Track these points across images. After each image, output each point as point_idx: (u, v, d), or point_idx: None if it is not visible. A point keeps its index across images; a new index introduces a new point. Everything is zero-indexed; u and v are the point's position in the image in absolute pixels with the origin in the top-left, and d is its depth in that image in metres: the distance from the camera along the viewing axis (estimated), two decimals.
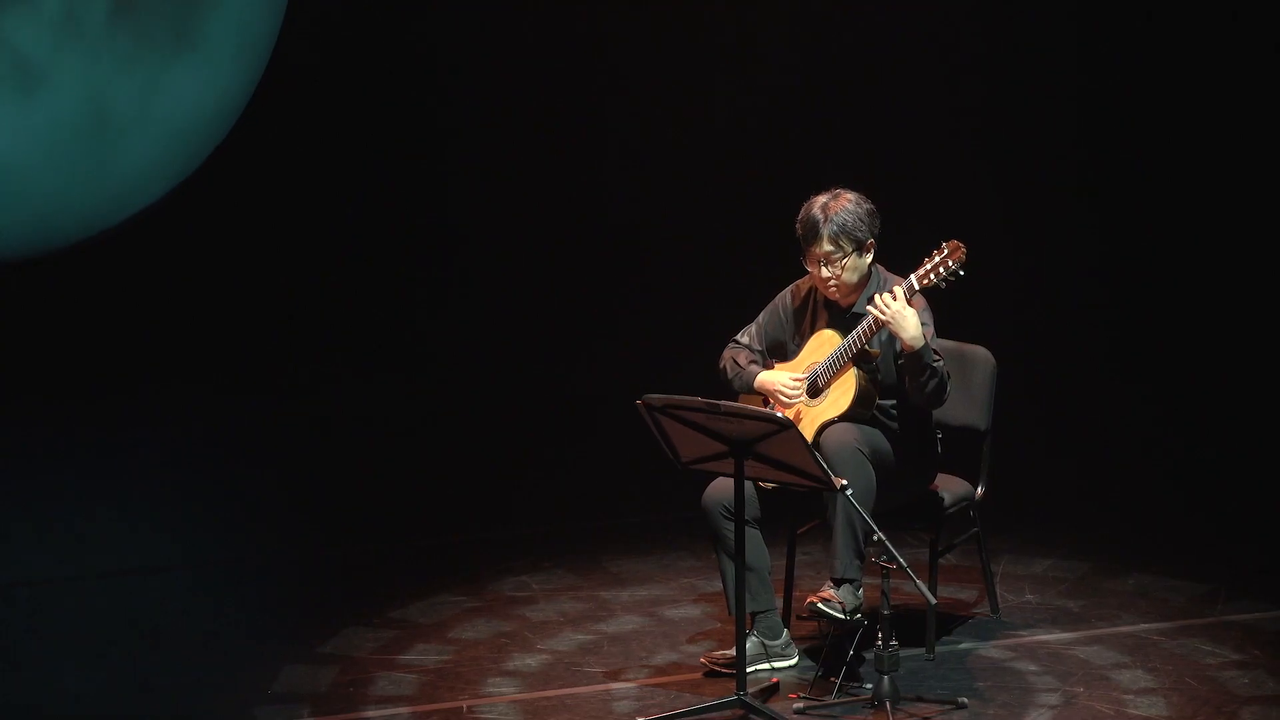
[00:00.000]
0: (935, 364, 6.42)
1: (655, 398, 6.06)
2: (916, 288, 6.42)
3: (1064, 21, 10.63)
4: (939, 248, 6.42)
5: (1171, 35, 10.40)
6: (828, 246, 6.48)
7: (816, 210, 6.51)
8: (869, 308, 6.43)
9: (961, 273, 6.39)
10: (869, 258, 6.56)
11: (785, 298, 6.76)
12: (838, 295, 6.57)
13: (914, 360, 6.40)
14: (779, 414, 5.96)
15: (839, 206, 6.50)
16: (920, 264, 6.43)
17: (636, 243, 10.97)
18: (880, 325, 6.40)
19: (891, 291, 6.38)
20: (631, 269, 10.95)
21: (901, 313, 6.35)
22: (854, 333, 6.47)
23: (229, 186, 10.97)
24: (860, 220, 6.50)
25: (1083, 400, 10.01)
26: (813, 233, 6.49)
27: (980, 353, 6.98)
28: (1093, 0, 10.57)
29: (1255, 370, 10.03)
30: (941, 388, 6.45)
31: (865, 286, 6.59)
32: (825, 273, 6.52)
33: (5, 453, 9.82)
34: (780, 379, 6.58)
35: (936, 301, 6.59)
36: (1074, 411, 9.88)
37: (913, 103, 10.70)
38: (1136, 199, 10.63)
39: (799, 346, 6.67)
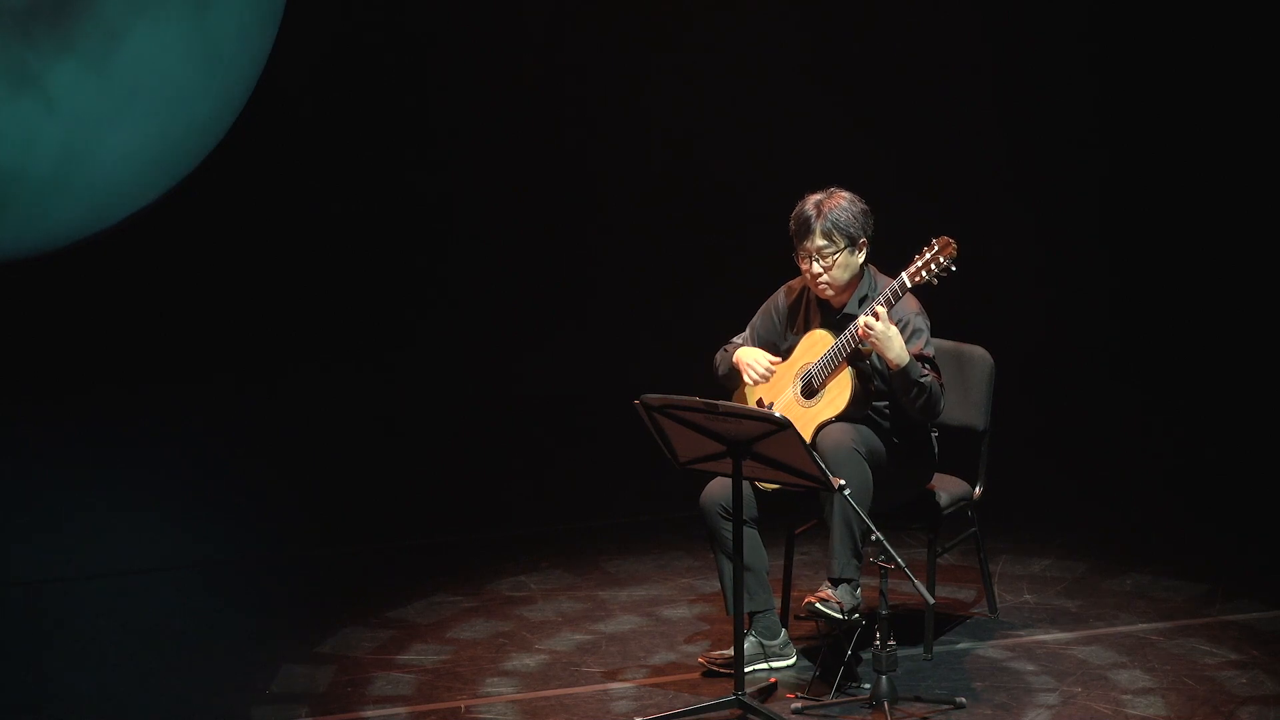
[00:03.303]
0: (923, 380, 6.42)
1: (653, 397, 6.07)
2: (909, 285, 6.43)
3: (1070, 21, 10.63)
4: (929, 244, 6.43)
5: (1176, 38, 10.40)
6: (820, 241, 6.49)
7: (810, 206, 6.53)
8: (865, 319, 6.41)
9: (953, 268, 6.40)
10: (861, 257, 6.56)
11: (778, 298, 6.77)
12: (830, 294, 6.57)
13: (901, 377, 6.42)
14: (777, 414, 5.97)
15: (833, 204, 6.52)
16: (911, 261, 6.44)
17: (634, 244, 10.97)
18: (866, 342, 6.40)
19: (874, 312, 6.38)
20: (629, 270, 10.96)
21: (885, 333, 6.36)
22: (847, 332, 6.47)
23: (228, 186, 10.98)
24: (854, 218, 6.51)
25: (1080, 400, 10.02)
26: (805, 227, 6.50)
27: (978, 352, 6.98)
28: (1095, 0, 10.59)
29: (1253, 370, 10.03)
30: (932, 402, 6.45)
31: (857, 287, 6.59)
32: (816, 268, 6.52)
33: (4, 452, 9.83)
34: (754, 354, 6.59)
35: (933, 300, 6.60)
36: (1072, 411, 9.88)
37: (913, 102, 10.71)
38: (1136, 199, 10.63)
39: (791, 346, 6.68)
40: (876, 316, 6.36)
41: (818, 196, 6.57)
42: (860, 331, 6.38)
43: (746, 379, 6.61)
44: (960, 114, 10.67)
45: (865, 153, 10.59)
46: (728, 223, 10.73)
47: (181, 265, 10.98)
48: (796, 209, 6.57)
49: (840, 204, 6.52)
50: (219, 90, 10.91)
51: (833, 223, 6.48)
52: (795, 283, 6.73)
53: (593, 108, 11.09)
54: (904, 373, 6.39)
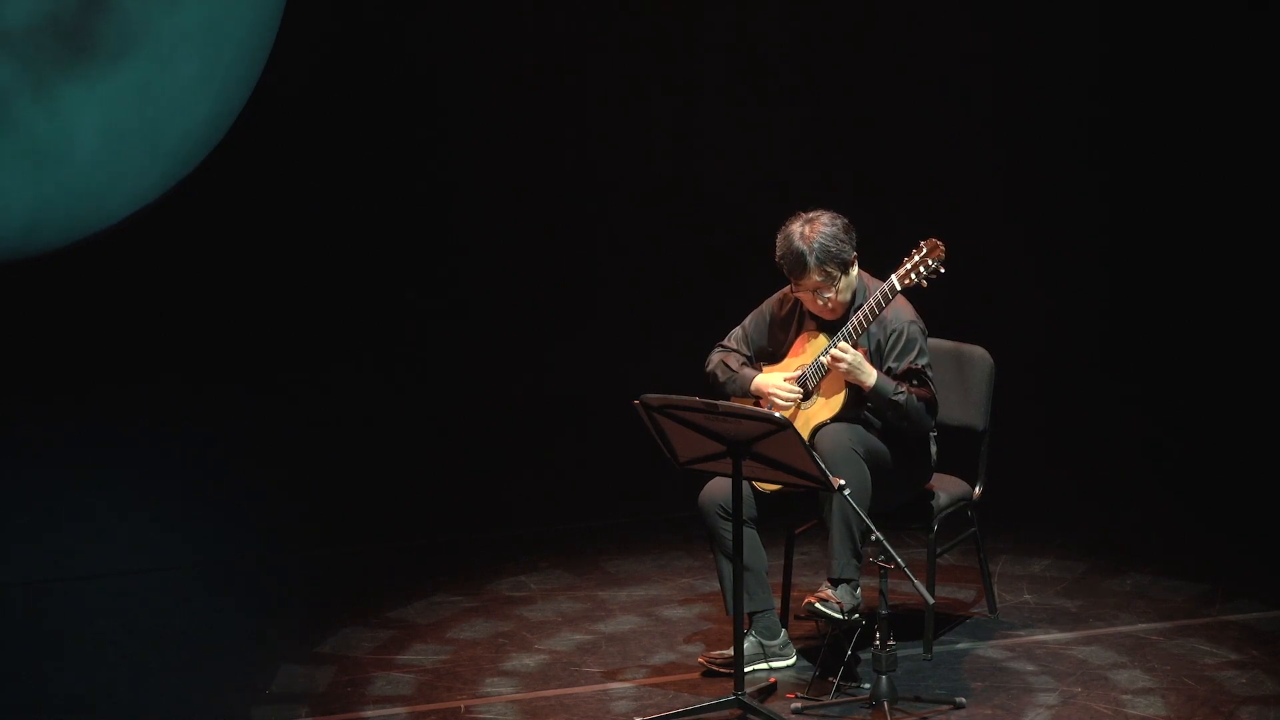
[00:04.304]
0: (897, 397, 6.44)
1: (653, 397, 6.07)
2: (898, 288, 6.43)
3: (1069, 22, 10.62)
4: (917, 247, 6.43)
5: (1175, 40, 10.39)
6: (817, 277, 6.47)
7: (797, 242, 6.46)
8: (832, 352, 6.43)
9: (942, 270, 6.40)
10: (854, 271, 6.55)
11: (771, 304, 6.76)
12: (833, 317, 6.57)
13: (875, 397, 6.44)
14: (777, 414, 5.97)
15: (816, 232, 6.46)
16: (900, 264, 6.44)
17: (634, 244, 10.97)
18: (848, 366, 6.41)
19: (842, 345, 6.40)
20: (629, 270, 10.95)
21: (853, 363, 6.39)
22: (840, 334, 6.47)
23: (228, 187, 10.97)
24: (840, 240, 6.47)
25: (1080, 400, 10.02)
26: (800, 266, 6.47)
27: (978, 352, 6.99)
28: None
29: (1253, 370, 10.03)
30: (911, 418, 6.47)
31: (853, 298, 6.59)
32: (820, 301, 6.52)
33: (4, 452, 9.82)
34: (775, 381, 6.58)
35: (934, 300, 6.60)
36: (1072, 411, 9.88)
37: (912, 102, 10.70)
38: (1136, 199, 10.63)
39: (785, 352, 6.68)
40: (845, 350, 6.38)
41: (798, 228, 6.49)
42: (829, 361, 6.41)
43: (779, 404, 6.56)
44: (960, 114, 10.66)
45: (865, 154, 10.59)
46: (728, 223, 10.72)
47: (182, 265, 10.97)
48: (782, 244, 6.49)
49: (823, 230, 6.46)
50: (219, 90, 10.91)
51: (824, 255, 6.44)
52: (789, 290, 6.70)
53: (593, 108, 11.08)
54: (876, 393, 6.41)
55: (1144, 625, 7.02)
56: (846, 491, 6.14)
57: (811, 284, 6.49)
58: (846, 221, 6.53)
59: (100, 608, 7.61)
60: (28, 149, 10.55)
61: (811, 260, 6.44)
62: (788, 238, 6.49)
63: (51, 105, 10.53)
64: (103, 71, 10.61)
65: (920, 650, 6.73)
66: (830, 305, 6.53)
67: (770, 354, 6.72)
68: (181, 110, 10.83)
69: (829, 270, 6.46)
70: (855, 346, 6.46)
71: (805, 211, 6.54)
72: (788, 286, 6.66)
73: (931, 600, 6.36)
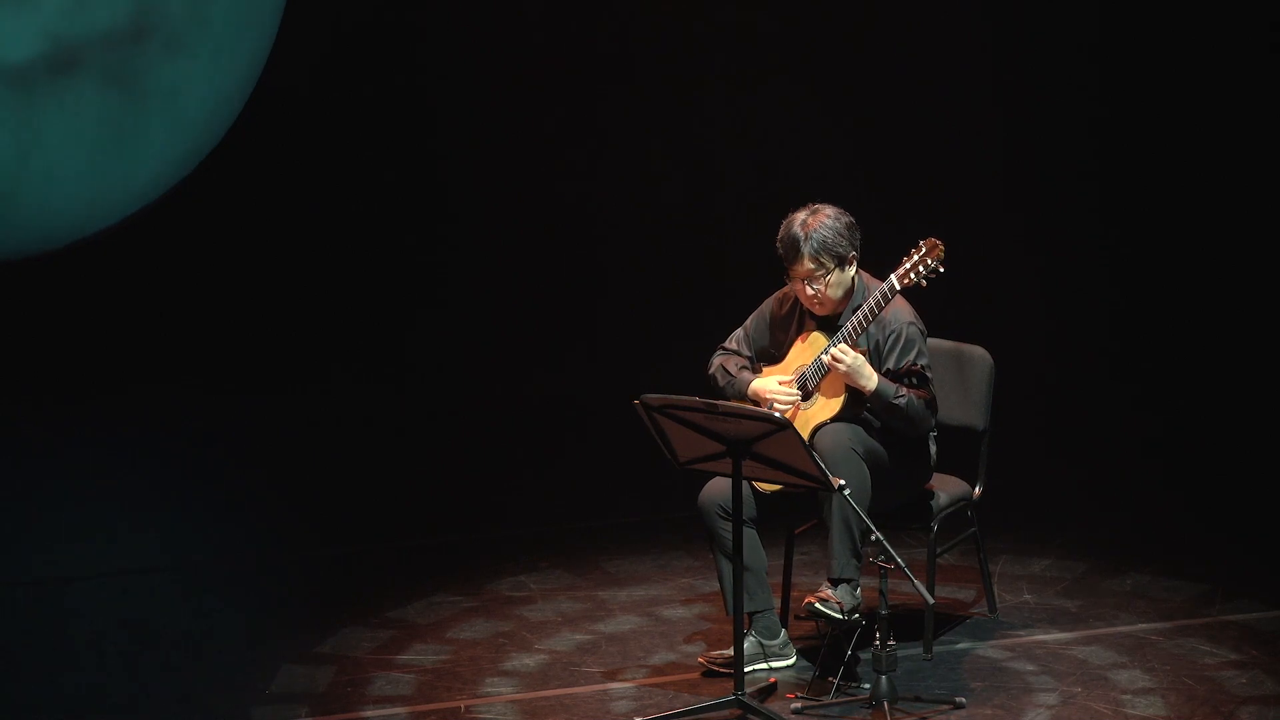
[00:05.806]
0: (898, 400, 6.44)
1: (653, 397, 6.07)
2: (898, 287, 6.43)
3: (1070, 21, 10.62)
4: (916, 246, 6.43)
5: (1180, 37, 10.39)
6: (809, 265, 6.47)
7: (796, 228, 6.48)
8: (832, 352, 6.43)
9: (941, 270, 6.40)
10: (851, 271, 6.55)
11: (771, 303, 6.76)
12: (823, 311, 6.57)
13: (875, 401, 6.44)
14: (777, 414, 5.97)
15: (817, 223, 6.47)
16: (899, 264, 6.44)
17: (634, 244, 10.96)
18: (846, 368, 6.41)
19: (841, 347, 6.40)
20: (629, 270, 10.95)
21: (853, 365, 6.39)
22: (839, 335, 6.47)
23: (223, 188, 10.97)
24: (840, 235, 6.48)
25: (1081, 400, 10.02)
26: (794, 252, 6.47)
27: (978, 352, 6.99)
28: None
29: (1253, 370, 10.03)
30: (911, 421, 6.47)
31: (851, 297, 6.58)
32: (809, 290, 6.52)
33: (5, 452, 9.82)
34: (771, 385, 6.58)
35: (934, 299, 6.60)
36: (1072, 411, 9.88)
37: (913, 102, 10.70)
38: (1137, 198, 10.62)
39: (785, 352, 6.68)
40: (844, 351, 6.38)
41: (802, 216, 6.51)
42: (829, 362, 6.41)
43: (778, 407, 6.55)
44: (960, 113, 10.65)
45: (865, 153, 10.59)
46: (728, 223, 10.73)
47: (181, 266, 10.97)
48: (782, 231, 6.52)
49: (824, 223, 6.48)
50: (218, 91, 10.90)
51: (820, 245, 6.44)
52: (789, 290, 6.70)
53: (594, 107, 11.08)
54: (877, 395, 6.42)
55: (1144, 625, 7.02)
56: (846, 491, 6.14)
57: (803, 271, 6.48)
58: (851, 220, 6.54)
59: (100, 608, 7.61)
60: (24, 149, 10.56)
61: (806, 248, 6.44)
62: (789, 223, 6.52)
63: (50, 105, 10.54)
64: (104, 74, 10.61)
65: (920, 650, 6.73)
66: (819, 298, 6.52)
67: (771, 354, 6.72)
68: (181, 110, 10.82)
69: (822, 260, 6.46)
70: (854, 347, 6.46)
71: (814, 204, 6.56)
72: (787, 286, 6.67)
73: (931, 600, 6.36)
